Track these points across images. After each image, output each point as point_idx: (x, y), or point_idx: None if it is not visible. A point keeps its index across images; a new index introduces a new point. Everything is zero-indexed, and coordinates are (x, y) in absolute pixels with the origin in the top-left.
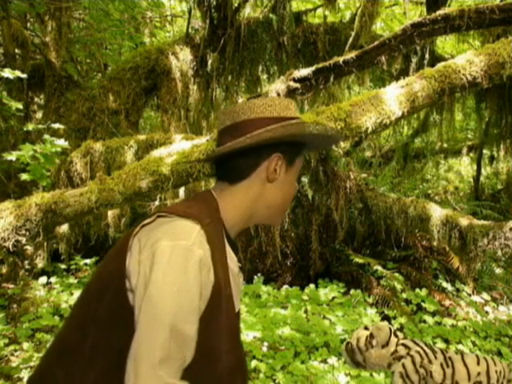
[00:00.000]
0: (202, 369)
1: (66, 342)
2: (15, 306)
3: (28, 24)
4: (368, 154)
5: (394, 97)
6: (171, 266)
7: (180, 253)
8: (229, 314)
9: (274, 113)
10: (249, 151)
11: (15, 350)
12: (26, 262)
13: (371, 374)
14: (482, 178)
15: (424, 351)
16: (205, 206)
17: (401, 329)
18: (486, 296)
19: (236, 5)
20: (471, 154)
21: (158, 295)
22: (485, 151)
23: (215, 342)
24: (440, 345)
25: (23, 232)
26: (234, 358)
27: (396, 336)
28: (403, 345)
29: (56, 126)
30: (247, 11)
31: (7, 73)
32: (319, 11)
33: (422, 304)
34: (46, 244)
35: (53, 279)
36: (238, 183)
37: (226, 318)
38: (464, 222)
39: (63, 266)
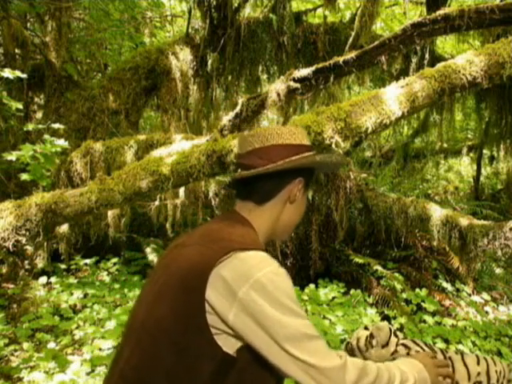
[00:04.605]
0: None
1: (142, 373)
2: (15, 306)
3: (28, 24)
4: (368, 153)
5: (394, 97)
6: (276, 289)
7: (275, 275)
8: None
9: (297, 140)
10: (279, 174)
11: (15, 350)
12: (26, 262)
13: None
14: (482, 178)
15: (424, 351)
16: (252, 233)
17: (401, 329)
18: (486, 296)
19: (236, 5)
20: (471, 154)
21: (283, 319)
22: (485, 151)
23: None
24: (440, 345)
25: (23, 232)
26: None
27: (396, 336)
28: (403, 345)
29: (56, 126)
30: (247, 11)
31: (7, 73)
32: (319, 11)
33: (422, 304)
34: (46, 244)
35: (53, 279)
36: (265, 204)
37: None
38: (464, 222)
39: (63, 266)
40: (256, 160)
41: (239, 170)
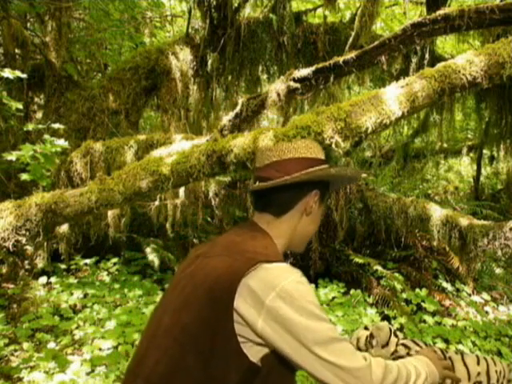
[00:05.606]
0: None
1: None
2: (15, 306)
3: (28, 24)
4: (368, 153)
5: (394, 97)
6: (301, 296)
7: (299, 284)
8: None
9: (313, 154)
10: (296, 186)
11: (15, 350)
12: (26, 262)
13: None
14: (482, 178)
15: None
16: (273, 245)
17: (401, 329)
18: (486, 296)
19: (236, 5)
20: (471, 154)
21: (310, 324)
22: (485, 151)
23: None
24: (440, 345)
25: (23, 232)
26: None
27: (396, 336)
28: (403, 345)
29: (56, 126)
30: (247, 11)
31: (7, 73)
32: (319, 11)
33: (422, 304)
34: (46, 244)
35: (53, 279)
36: (283, 216)
37: None
38: (464, 222)
39: (63, 266)
40: (273, 173)
41: (257, 183)
